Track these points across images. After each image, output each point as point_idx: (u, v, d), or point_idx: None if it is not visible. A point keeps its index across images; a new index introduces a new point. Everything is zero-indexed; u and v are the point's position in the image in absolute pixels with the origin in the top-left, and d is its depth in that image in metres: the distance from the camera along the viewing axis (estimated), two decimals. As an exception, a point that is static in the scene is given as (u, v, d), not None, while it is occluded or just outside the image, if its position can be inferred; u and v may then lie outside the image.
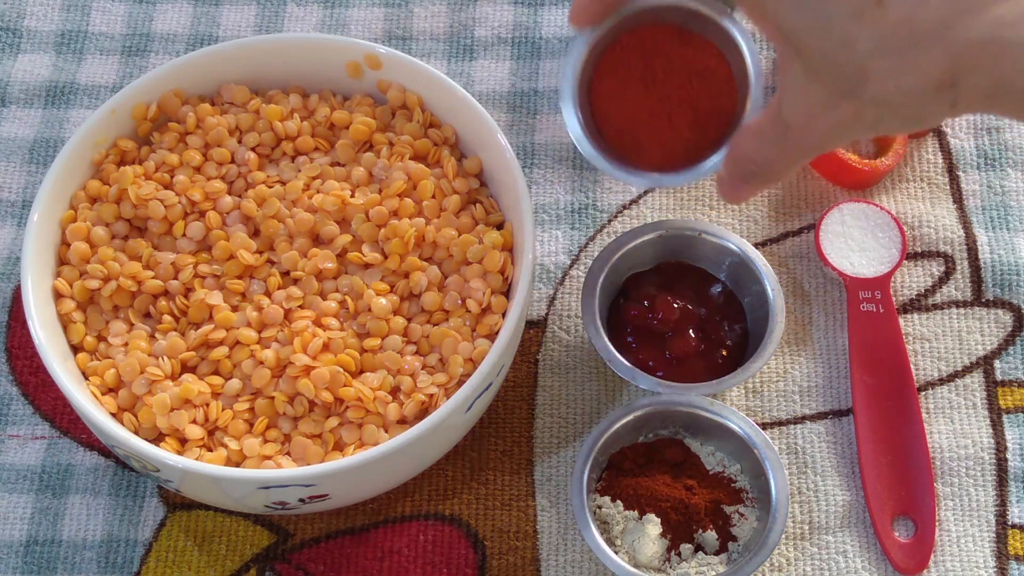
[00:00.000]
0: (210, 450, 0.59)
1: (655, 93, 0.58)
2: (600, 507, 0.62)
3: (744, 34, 0.57)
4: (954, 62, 0.46)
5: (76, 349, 0.62)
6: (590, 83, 0.58)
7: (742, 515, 0.62)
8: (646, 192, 0.73)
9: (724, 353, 0.66)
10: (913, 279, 0.70)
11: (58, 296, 0.63)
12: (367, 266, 0.63)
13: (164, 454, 0.58)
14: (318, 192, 0.64)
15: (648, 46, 0.58)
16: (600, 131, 0.59)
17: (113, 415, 0.60)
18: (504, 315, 0.62)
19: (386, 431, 0.59)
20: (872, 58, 0.47)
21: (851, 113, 0.49)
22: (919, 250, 0.71)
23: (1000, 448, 0.66)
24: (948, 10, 0.46)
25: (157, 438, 0.60)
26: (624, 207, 0.73)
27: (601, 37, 0.57)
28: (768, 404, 0.67)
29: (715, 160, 0.57)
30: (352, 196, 0.64)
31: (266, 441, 0.60)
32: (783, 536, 0.63)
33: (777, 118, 0.52)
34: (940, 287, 0.70)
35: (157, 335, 0.62)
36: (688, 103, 0.58)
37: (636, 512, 0.61)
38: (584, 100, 0.58)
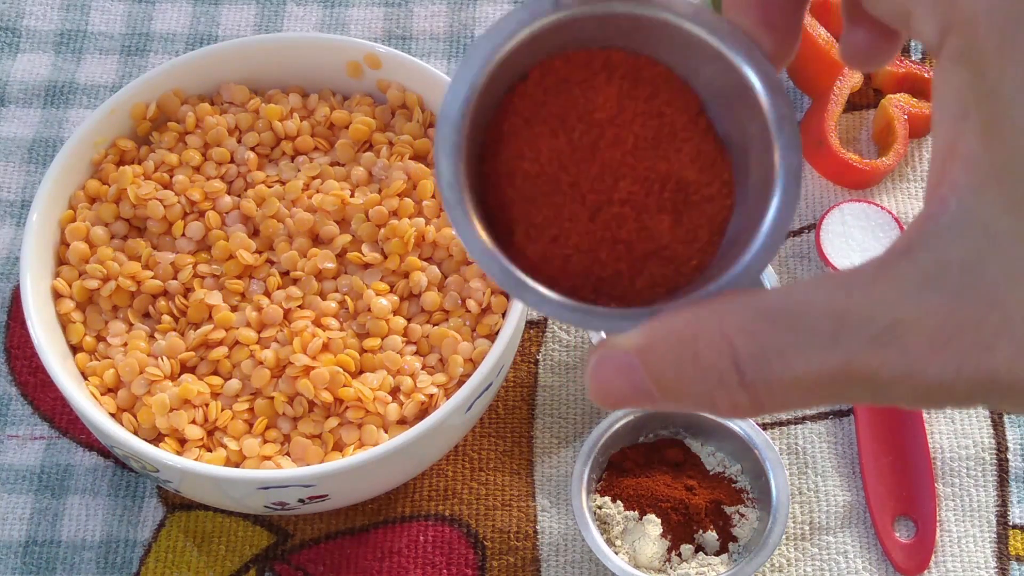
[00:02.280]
0: (209, 450, 0.59)
1: (598, 162, 0.35)
2: (600, 507, 0.62)
3: (760, 66, 0.35)
4: None
5: (75, 349, 0.62)
6: (485, 139, 0.36)
7: (743, 515, 0.62)
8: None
9: (724, 353, 0.65)
10: (914, 279, 0.70)
11: (57, 296, 0.62)
12: (367, 266, 0.63)
13: (163, 454, 0.57)
14: (318, 192, 0.64)
15: (580, 80, 0.36)
16: (507, 222, 0.35)
17: (112, 415, 0.60)
18: (504, 315, 0.62)
19: (386, 431, 0.59)
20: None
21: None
22: (920, 250, 0.71)
23: (1001, 448, 0.66)
24: None
25: (156, 438, 0.60)
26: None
27: (507, 57, 0.35)
28: (768, 404, 0.67)
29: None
30: (352, 196, 0.64)
31: (266, 441, 0.60)
32: (784, 536, 0.63)
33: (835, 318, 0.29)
34: (941, 287, 0.70)
35: (156, 335, 0.62)
36: (660, 180, 0.35)
37: (636, 512, 0.61)
38: (476, 167, 0.35)
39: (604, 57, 0.35)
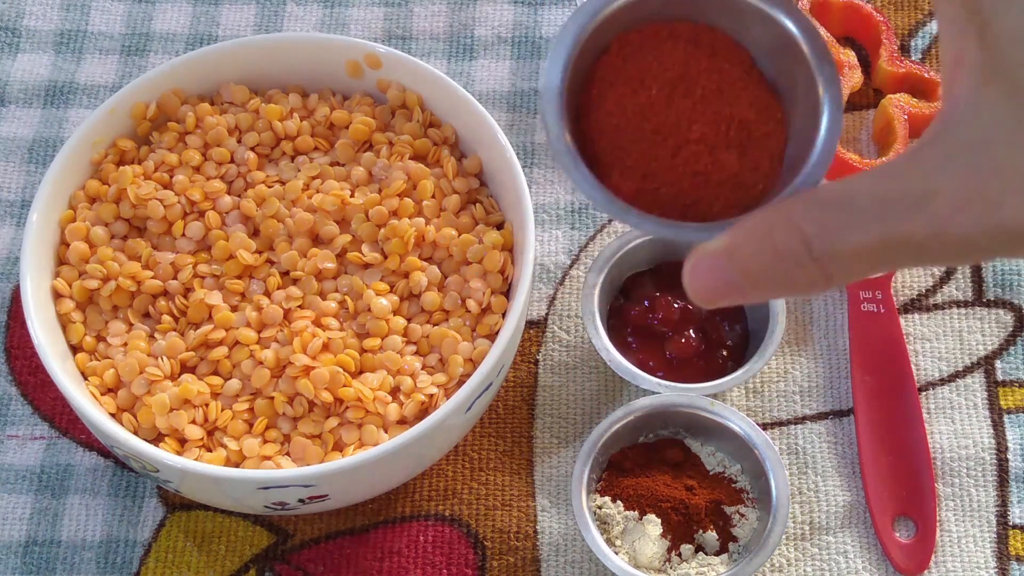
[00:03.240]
0: (209, 450, 0.59)
1: (673, 111, 0.42)
2: (600, 507, 0.62)
3: (798, 18, 0.42)
4: None
5: (75, 349, 0.62)
6: (579, 102, 0.43)
7: (743, 515, 0.62)
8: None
9: (724, 353, 0.66)
10: (914, 279, 0.70)
11: (57, 296, 0.62)
12: (367, 266, 0.63)
13: (163, 454, 0.57)
14: (318, 192, 0.64)
15: (652, 47, 0.43)
16: (604, 167, 0.42)
17: (112, 415, 0.60)
18: (504, 315, 0.61)
19: (386, 431, 0.59)
20: None
21: None
22: (920, 250, 0.71)
23: (1001, 448, 0.66)
24: None
25: (156, 438, 0.60)
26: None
27: (590, 35, 0.42)
28: (768, 404, 0.67)
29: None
30: (352, 196, 0.64)
31: (266, 441, 0.59)
32: (784, 536, 0.63)
33: (924, 196, 0.34)
34: (941, 287, 0.70)
35: (156, 335, 0.62)
36: (725, 121, 0.42)
37: (636, 512, 0.61)
38: (574, 125, 0.43)
39: (669, 28, 0.43)
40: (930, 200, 0.34)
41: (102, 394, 0.60)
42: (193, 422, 0.59)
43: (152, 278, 0.63)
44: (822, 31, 0.73)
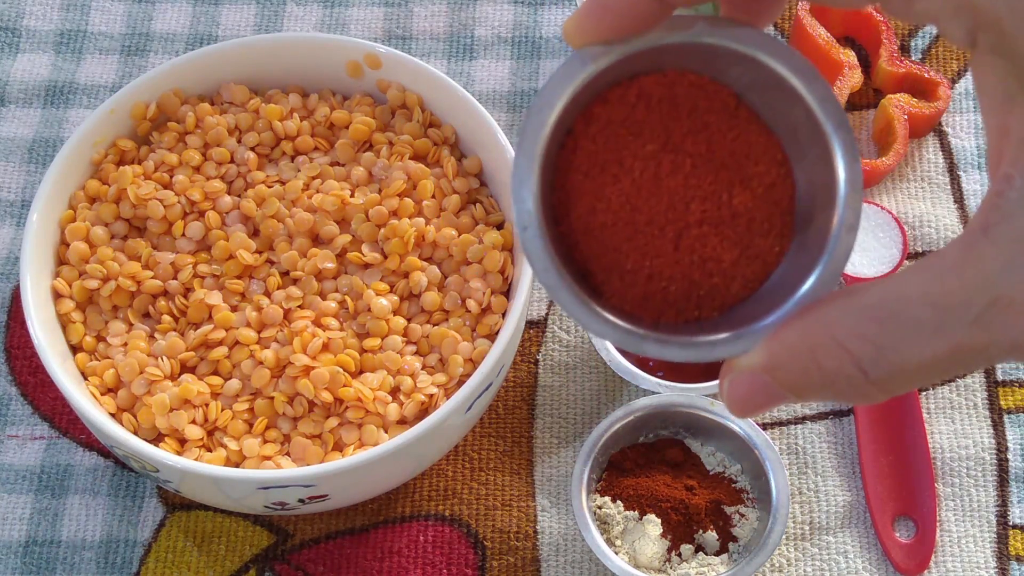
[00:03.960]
0: (209, 450, 0.59)
1: (665, 193, 0.37)
2: (600, 507, 0.62)
3: (787, 57, 0.36)
4: None
5: (75, 349, 0.62)
6: (553, 202, 0.37)
7: (743, 515, 0.62)
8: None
9: (724, 353, 0.65)
10: (914, 279, 0.70)
11: (57, 296, 0.62)
12: (367, 266, 0.63)
13: (163, 454, 0.57)
14: (318, 192, 0.64)
15: (621, 120, 0.37)
16: (599, 275, 0.37)
17: (112, 415, 0.60)
18: (504, 315, 0.61)
19: (386, 431, 0.59)
20: None
21: None
22: (920, 250, 0.71)
23: (1001, 448, 0.66)
24: None
25: (156, 438, 0.60)
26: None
27: (553, 130, 0.36)
28: (768, 404, 0.67)
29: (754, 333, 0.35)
30: (352, 196, 0.64)
31: (265, 441, 0.59)
32: (784, 536, 0.63)
33: (959, 270, 0.31)
34: (941, 287, 0.70)
35: (156, 335, 0.62)
36: (726, 188, 0.37)
37: (636, 512, 0.61)
38: (553, 230, 0.37)
39: (637, 88, 0.37)
40: (1002, 309, 0.31)
41: (102, 394, 0.60)
42: (193, 422, 0.59)
43: (152, 278, 0.63)
44: (821, 31, 0.73)
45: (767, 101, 0.37)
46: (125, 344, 0.61)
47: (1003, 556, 0.63)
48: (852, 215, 0.35)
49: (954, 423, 0.66)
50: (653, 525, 0.61)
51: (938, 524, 0.64)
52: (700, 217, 0.36)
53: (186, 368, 0.61)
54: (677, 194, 0.36)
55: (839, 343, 0.32)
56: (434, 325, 0.62)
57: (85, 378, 0.61)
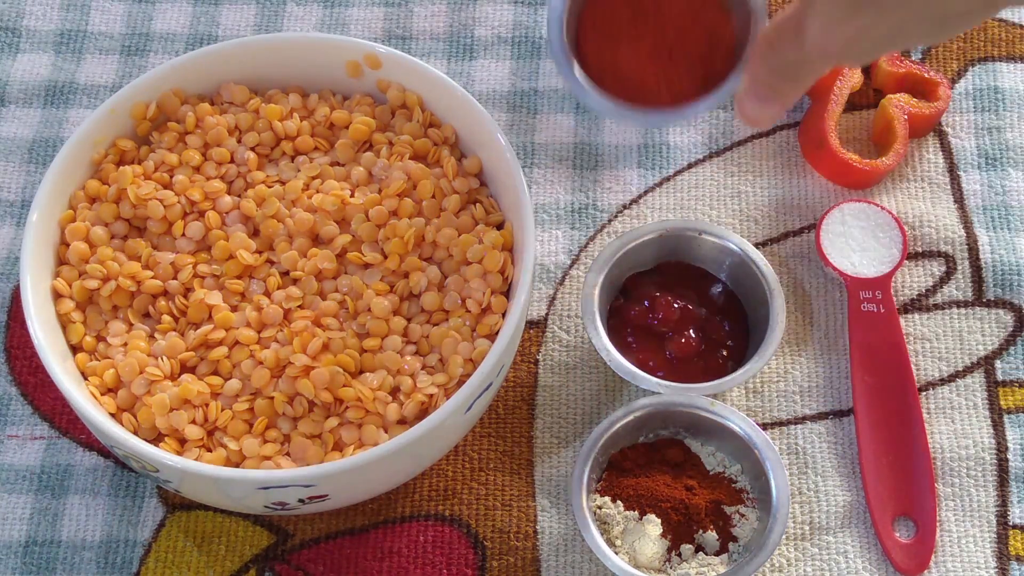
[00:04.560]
0: (209, 450, 0.59)
1: (650, 31, 0.56)
2: (600, 507, 0.62)
3: None
4: None
5: (75, 349, 0.62)
6: (576, 36, 0.56)
7: (743, 515, 0.62)
8: (646, 192, 0.73)
9: (724, 353, 0.66)
10: (914, 279, 0.70)
11: (57, 296, 0.62)
12: (367, 266, 0.63)
13: (163, 454, 0.57)
14: (318, 192, 0.64)
15: None
16: (600, 86, 0.56)
17: (112, 415, 0.60)
18: (504, 315, 0.61)
19: (386, 431, 0.59)
20: None
21: (866, 26, 0.47)
22: (920, 250, 0.71)
23: (1001, 448, 0.66)
24: None
25: (156, 438, 0.60)
26: (624, 207, 0.72)
27: None
28: (768, 404, 0.67)
29: (733, 80, 0.55)
30: (352, 196, 0.64)
31: (265, 441, 0.59)
32: (784, 536, 0.63)
33: (795, 28, 0.50)
34: (941, 287, 0.70)
35: (156, 335, 0.62)
36: (687, 33, 0.56)
37: (636, 512, 0.61)
38: (574, 55, 0.56)
39: None
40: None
41: (102, 394, 0.60)
42: (193, 422, 0.59)
43: (152, 278, 0.63)
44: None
45: None
46: (125, 344, 0.61)
47: (1003, 556, 0.63)
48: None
49: (954, 423, 0.66)
50: (653, 525, 0.61)
51: (938, 524, 0.64)
52: (673, 39, 0.55)
53: (186, 368, 0.61)
54: (661, 28, 0.55)
55: (762, 55, 0.52)
56: (434, 325, 0.62)
57: (85, 378, 0.61)
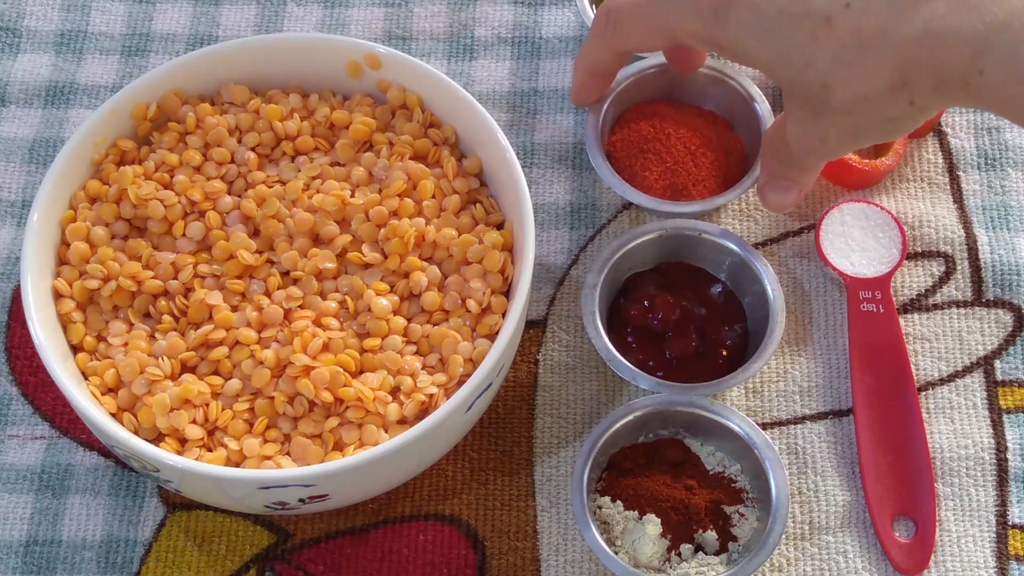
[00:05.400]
0: (210, 450, 0.59)
1: (670, 156, 0.68)
2: (600, 507, 0.62)
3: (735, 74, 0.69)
4: (899, 61, 0.50)
5: (76, 349, 0.62)
6: (608, 148, 0.70)
7: (742, 515, 0.62)
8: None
9: (724, 353, 0.66)
10: (913, 279, 0.70)
11: (58, 296, 0.63)
12: (367, 266, 0.63)
13: (164, 454, 0.58)
14: (318, 192, 0.64)
15: (649, 110, 0.70)
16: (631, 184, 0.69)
17: (113, 415, 0.60)
18: (504, 315, 0.62)
19: (386, 431, 0.59)
20: (831, 72, 0.51)
21: (828, 127, 0.54)
22: (919, 250, 0.71)
23: (1000, 448, 0.66)
24: (888, 14, 0.50)
25: (157, 438, 0.60)
26: (624, 207, 0.72)
27: (608, 110, 0.70)
28: (768, 404, 0.67)
29: (749, 178, 0.67)
30: (352, 196, 0.64)
31: (266, 441, 0.60)
32: (783, 536, 0.63)
33: (782, 130, 0.57)
34: (940, 287, 0.70)
35: (157, 335, 0.62)
36: (704, 145, 0.68)
37: (636, 512, 0.61)
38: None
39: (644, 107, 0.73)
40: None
41: (102, 394, 0.60)
42: (193, 422, 0.59)
43: (152, 278, 0.63)
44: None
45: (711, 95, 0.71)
46: (126, 344, 0.62)
47: (1002, 556, 0.63)
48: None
49: (954, 423, 0.66)
50: (653, 525, 0.61)
51: (938, 524, 0.64)
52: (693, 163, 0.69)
53: (186, 368, 0.61)
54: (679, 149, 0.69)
55: (768, 153, 0.61)
56: (434, 325, 0.62)
57: (86, 378, 0.61)
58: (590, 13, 0.74)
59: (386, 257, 0.63)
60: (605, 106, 0.70)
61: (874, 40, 0.50)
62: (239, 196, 0.65)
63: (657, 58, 0.71)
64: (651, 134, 0.70)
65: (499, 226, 0.65)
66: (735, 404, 0.67)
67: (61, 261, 0.64)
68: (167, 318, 0.62)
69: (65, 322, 0.62)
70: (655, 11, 0.58)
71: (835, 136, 0.55)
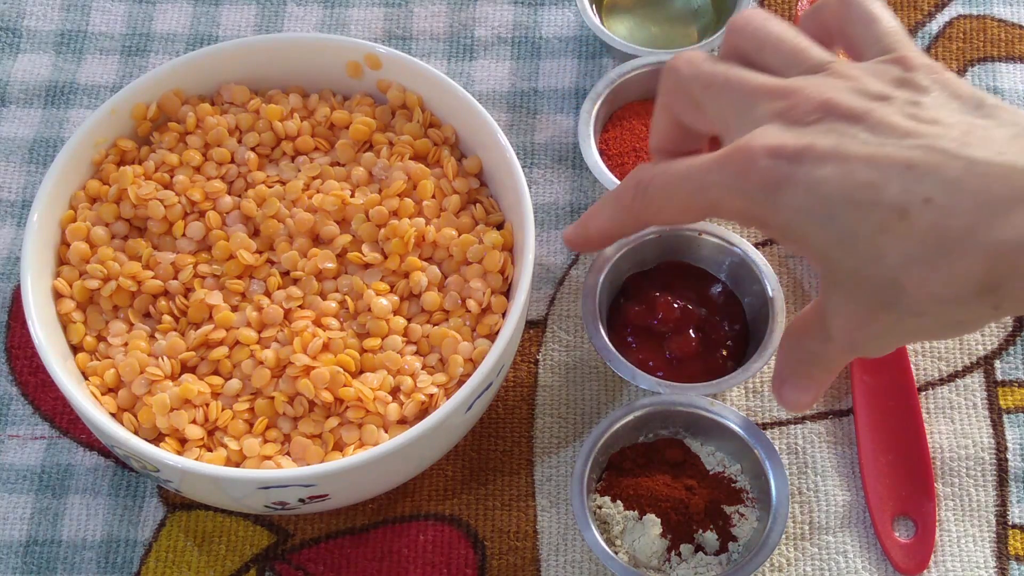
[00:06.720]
0: (210, 450, 0.59)
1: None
2: (600, 507, 0.62)
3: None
4: (991, 266, 0.45)
5: (76, 349, 0.62)
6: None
7: (742, 515, 0.62)
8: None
9: (724, 353, 0.66)
10: (913, 279, 0.70)
11: (58, 296, 0.63)
12: (367, 266, 0.63)
13: (164, 454, 0.58)
14: (318, 192, 0.64)
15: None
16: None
17: (113, 415, 0.60)
18: (504, 315, 0.62)
19: (386, 431, 0.59)
20: (904, 269, 0.46)
21: (891, 324, 0.49)
22: (919, 250, 0.71)
23: (1000, 448, 0.66)
24: (976, 216, 0.45)
25: (157, 438, 0.60)
26: (624, 207, 0.72)
27: (601, 108, 0.70)
28: (768, 404, 0.67)
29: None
30: (352, 196, 0.64)
31: (266, 441, 0.60)
32: (783, 536, 0.63)
33: (820, 325, 0.51)
34: (940, 287, 0.70)
35: (157, 335, 0.62)
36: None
37: (636, 512, 0.61)
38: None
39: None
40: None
41: (102, 394, 0.60)
42: (193, 422, 0.59)
43: (152, 278, 0.63)
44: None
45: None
46: (126, 344, 0.62)
47: (1002, 556, 0.63)
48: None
49: (954, 423, 0.66)
50: (653, 525, 0.61)
51: (937, 524, 0.64)
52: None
53: (186, 368, 0.61)
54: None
55: (788, 347, 0.54)
56: (434, 325, 0.62)
57: (86, 378, 0.61)
58: (590, 13, 0.74)
59: (386, 257, 0.63)
60: (598, 104, 0.71)
61: (960, 240, 0.45)
62: (239, 196, 0.65)
63: (651, 57, 0.71)
64: (644, 132, 0.70)
65: (499, 226, 0.65)
66: (735, 404, 0.67)
67: (61, 261, 0.64)
68: (167, 318, 0.62)
69: (65, 322, 0.62)
70: (695, 186, 0.51)
71: (894, 334, 0.50)
